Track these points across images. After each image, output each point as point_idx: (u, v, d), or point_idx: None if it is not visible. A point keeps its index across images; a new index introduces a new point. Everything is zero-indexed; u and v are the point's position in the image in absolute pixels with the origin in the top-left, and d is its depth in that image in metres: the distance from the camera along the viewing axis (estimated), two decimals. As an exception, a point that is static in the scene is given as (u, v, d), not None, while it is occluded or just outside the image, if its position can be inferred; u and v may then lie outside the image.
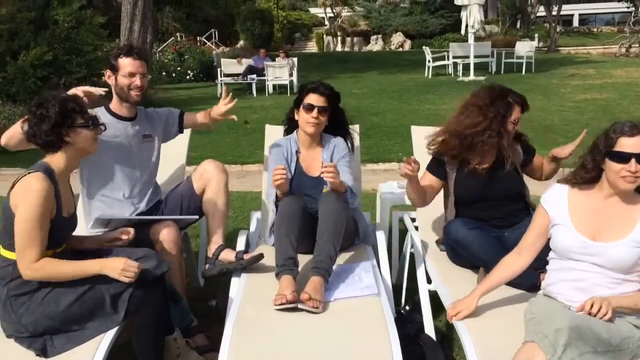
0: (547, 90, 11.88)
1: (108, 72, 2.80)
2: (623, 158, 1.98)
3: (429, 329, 2.57)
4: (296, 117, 2.98)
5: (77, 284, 2.10)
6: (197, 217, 2.88)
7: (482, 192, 2.74)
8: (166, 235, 2.63)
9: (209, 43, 22.61)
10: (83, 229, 2.91)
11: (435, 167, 2.84)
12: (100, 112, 2.82)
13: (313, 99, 2.87)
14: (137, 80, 2.77)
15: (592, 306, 1.91)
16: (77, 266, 2.11)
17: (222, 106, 2.99)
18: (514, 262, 2.24)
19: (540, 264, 2.25)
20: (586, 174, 2.11)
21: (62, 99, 2.17)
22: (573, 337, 1.78)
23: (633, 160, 1.96)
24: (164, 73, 17.01)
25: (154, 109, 3.07)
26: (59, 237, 2.17)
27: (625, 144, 1.98)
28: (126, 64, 2.76)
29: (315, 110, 2.86)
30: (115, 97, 2.84)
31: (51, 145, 2.14)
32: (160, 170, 3.08)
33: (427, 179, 2.83)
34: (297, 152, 2.99)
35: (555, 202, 2.17)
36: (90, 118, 2.22)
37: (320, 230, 2.52)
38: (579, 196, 2.14)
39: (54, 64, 10.32)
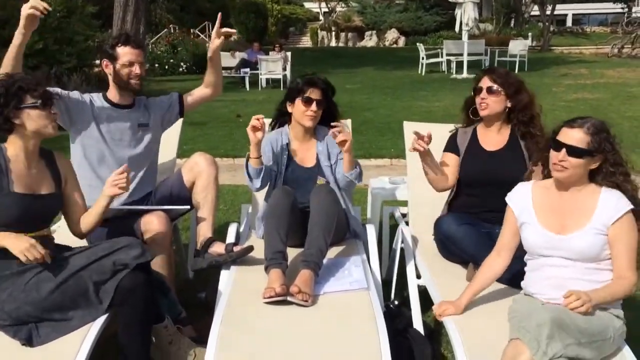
0: (539, 89, 11.81)
1: (106, 62, 2.81)
2: (557, 146, 2.04)
3: (418, 323, 2.58)
4: (289, 110, 2.97)
5: (58, 272, 2.08)
6: (188, 207, 2.86)
7: (484, 172, 2.77)
8: (157, 226, 2.61)
9: (202, 35, 22.49)
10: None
11: (452, 145, 2.90)
12: (97, 98, 2.85)
13: (312, 92, 2.87)
14: (136, 69, 2.78)
15: (571, 298, 1.91)
16: None
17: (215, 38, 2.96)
18: (495, 262, 2.27)
19: (521, 254, 2.26)
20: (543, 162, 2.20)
21: (7, 82, 2.13)
22: (555, 329, 1.80)
23: (563, 150, 2.02)
24: (156, 65, 16.91)
25: (154, 98, 3.06)
26: (15, 214, 2.11)
27: (563, 133, 2.05)
28: (125, 52, 2.77)
29: (314, 103, 2.85)
30: (112, 85, 2.85)
31: (1, 129, 2.13)
32: None
33: (447, 158, 2.88)
34: (288, 144, 2.98)
35: (519, 200, 2.22)
36: (41, 96, 2.16)
37: (311, 224, 2.52)
38: (541, 193, 2.18)
39: (45, 53, 10.23)
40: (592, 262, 2.05)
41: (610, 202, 2.04)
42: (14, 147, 2.17)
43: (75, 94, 2.79)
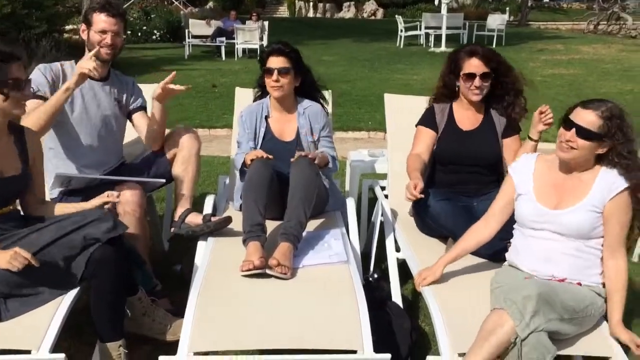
0: (516, 64, 11.58)
1: (83, 26, 2.71)
2: (568, 124, 2.01)
3: (397, 296, 2.58)
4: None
5: (25, 246, 1.99)
6: (163, 180, 2.79)
7: (460, 152, 2.74)
8: (129, 197, 2.54)
9: (176, 2, 21.95)
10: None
11: (430, 121, 2.83)
12: (69, 66, 2.73)
13: (272, 61, 2.79)
14: (108, 38, 2.66)
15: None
16: None
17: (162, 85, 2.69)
18: (481, 230, 2.26)
19: (505, 234, 2.27)
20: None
21: None
22: (541, 303, 1.81)
23: (573, 130, 1.99)
24: (129, 32, 16.46)
25: (128, 78, 2.95)
26: None
27: (576, 113, 2.02)
28: (99, 19, 2.65)
29: (275, 72, 2.77)
30: (87, 53, 2.71)
31: None
32: (127, 132, 2.98)
33: (425, 134, 2.81)
34: (267, 117, 2.92)
35: (522, 171, 2.21)
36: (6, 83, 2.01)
37: (291, 196, 2.47)
38: (544, 168, 2.17)
39: (13, 18, 9.84)
40: (580, 238, 2.05)
41: (607, 180, 2.03)
42: None
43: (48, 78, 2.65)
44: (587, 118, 1.98)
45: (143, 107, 2.93)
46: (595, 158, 2.06)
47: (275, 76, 2.78)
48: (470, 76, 2.65)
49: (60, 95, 2.46)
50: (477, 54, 2.64)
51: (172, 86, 2.67)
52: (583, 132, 1.98)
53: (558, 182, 2.12)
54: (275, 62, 2.78)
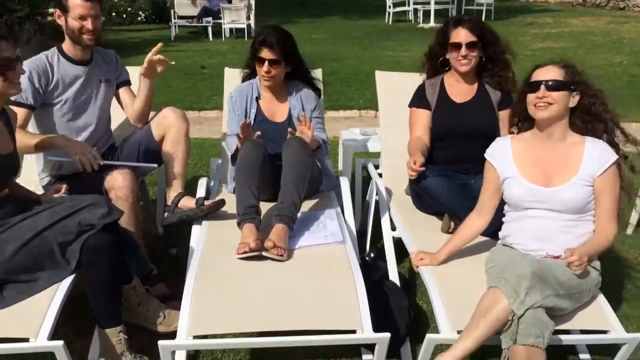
0: (505, 39, 11.88)
1: (58, 12, 2.64)
2: (534, 87, 2.06)
3: (393, 275, 2.58)
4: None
5: (20, 232, 1.98)
6: (155, 165, 2.76)
7: (455, 125, 2.73)
8: (121, 182, 2.51)
9: (161, -17, 21.55)
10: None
11: (421, 100, 2.82)
12: (53, 55, 2.68)
13: (264, 52, 2.73)
14: (88, 24, 2.60)
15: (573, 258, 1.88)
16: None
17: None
18: (475, 221, 2.27)
19: (500, 214, 2.26)
20: (517, 114, 2.23)
21: None
22: (535, 281, 1.82)
23: (542, 87, 2.03)
24: (113, 14, 16.18)
25: (109, 53, 2.90)
26: None
27: (537, 74, 2.08)
28: (76, 5, 2.58)
29: (266, 64, 2.73)
30: (67, 39, 2.68)
31: None
32: (114, 115, 2.94)
33: (419, 116, 2.80)
34: (258, 98, 2.88)
35: (500, 155, 2.20)
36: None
37: (284, 177, 2.46)
38: (522, 146, 2.17)
39: (-7, 1, 9.65)
40: (575, 213, 2.05)
41: (596, 153, 2.05)
42: None
43: (34, 79, 2.58)
44: (550, 72, 2.06)
45: (128, 82, 2.91)
46: (570, 120, 2.10)
47: (266, 67, 2.73)
48: (457, 46, 2.66)
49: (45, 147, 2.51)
50: (463, 23, 2.67)
51: (158, 56, 2.65)
52: (553, 84, 2.03)
53: (540, 157, 2.12)
54: (267, 53, 2.72)
